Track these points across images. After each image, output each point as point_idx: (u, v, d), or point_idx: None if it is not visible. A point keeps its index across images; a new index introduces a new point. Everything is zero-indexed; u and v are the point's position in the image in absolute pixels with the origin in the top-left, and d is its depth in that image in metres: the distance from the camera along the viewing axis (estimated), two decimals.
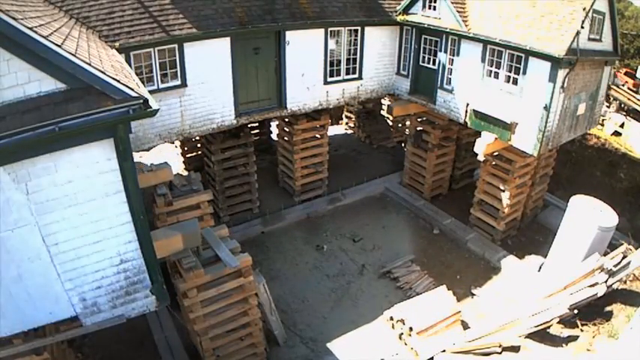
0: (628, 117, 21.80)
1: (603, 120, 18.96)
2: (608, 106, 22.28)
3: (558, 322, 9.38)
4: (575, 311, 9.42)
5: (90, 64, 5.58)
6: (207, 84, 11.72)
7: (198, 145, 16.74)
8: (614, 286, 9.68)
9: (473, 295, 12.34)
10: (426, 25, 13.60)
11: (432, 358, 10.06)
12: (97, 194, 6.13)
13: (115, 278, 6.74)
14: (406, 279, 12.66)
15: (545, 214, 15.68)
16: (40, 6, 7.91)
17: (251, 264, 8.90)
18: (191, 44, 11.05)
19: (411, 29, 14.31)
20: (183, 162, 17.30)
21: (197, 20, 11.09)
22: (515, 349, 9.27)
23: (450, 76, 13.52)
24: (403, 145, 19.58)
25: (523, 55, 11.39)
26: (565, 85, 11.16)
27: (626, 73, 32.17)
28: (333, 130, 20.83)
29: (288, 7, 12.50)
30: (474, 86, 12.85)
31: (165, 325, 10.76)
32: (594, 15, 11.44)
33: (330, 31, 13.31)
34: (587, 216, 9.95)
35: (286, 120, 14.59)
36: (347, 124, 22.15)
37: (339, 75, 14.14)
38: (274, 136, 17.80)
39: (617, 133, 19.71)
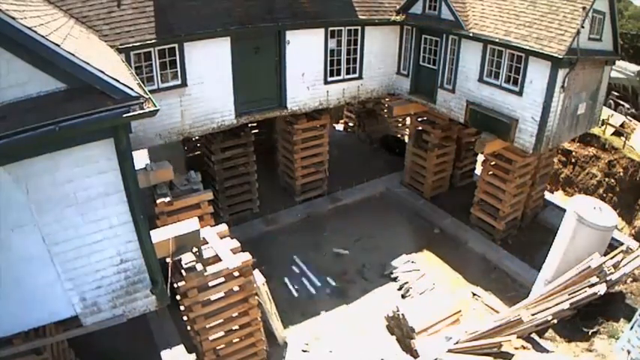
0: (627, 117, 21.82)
1: (604, 120, 18.93)
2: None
3: (558, 322, 9.37)
4: (575, 311, 9.41)
5: (90, 64, 5.57)
6: (208, 83, 11.71)
7: (198, 145, 16.74)
8: (614, 286, 9.67)
9: (473, 295, 12.34)
10: (426, 25, 13.60)
11: (432, 358, 10.05)
12: (97, 194, 6.13)
13: (115, 278, 6.74)
14: (406, 279, 12.66)
15: (545, 214, 15.67)
16: (39, 5, 7.90)
17: (251, 264, 8.89)
18: (191, 44, 11.04)
19: (411, 29, 14.30)
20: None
21: (197, 20, 11.08)
22: (515, 349, 9.26)
23: (450, 76, 13.52)
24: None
25: (523, 55, 11.39)
26: (565, 84, 11.15)
27: None
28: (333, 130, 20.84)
29: (289, 6, 12.48)
30: (474, 86, 12.85)
31: (166, 325, 10.76)
32: (594, 15, 11.44)
33: (331, 31, 13.29)
34: (586, 216, 9.94)
35: (286, 120, 14.59)
36: (347, 123, 22.15)
37: (340, 75, 14.13)
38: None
39: (617, 133, 19.68)
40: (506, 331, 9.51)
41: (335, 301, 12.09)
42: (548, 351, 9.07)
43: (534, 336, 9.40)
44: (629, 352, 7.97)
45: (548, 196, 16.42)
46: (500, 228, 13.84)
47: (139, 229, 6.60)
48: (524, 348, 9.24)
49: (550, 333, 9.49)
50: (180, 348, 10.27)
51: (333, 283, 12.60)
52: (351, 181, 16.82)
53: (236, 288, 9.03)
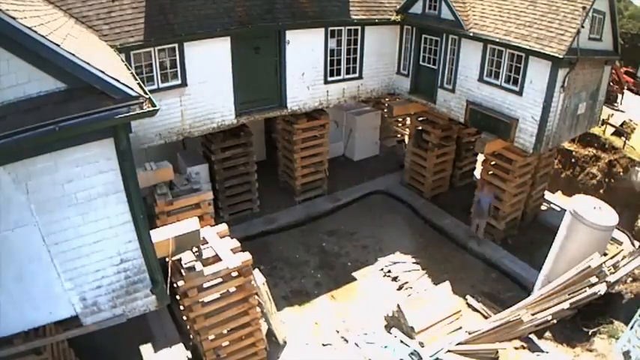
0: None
1: (604, 120, 18.93)
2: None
3: (558, 322, 9.38)
4: (576, 311, 9.42)
5: (90, 64, 5.57)
6: (208, 83, 11.71)
7: None
8: (614, 286, 9.67)
9: (473, 294, 12.33)
10: (426, 25, 13.60)
11: (432, 357, 10.05)
12: (97, 194, 6.11)
13: (115, 278, 6.73)
14: (406, 279, 12.66)
15: (545, 214, 15.68)
16: (39, 5, 7.90)
17: (251, 263, 8.89)
18: (191, 44, 11.04)
19: (411, 29, 14.30)
20: None
21: (197, 20, 11.08)
22: (514, 349, 9.27)
23: (450, 76, 13.51)
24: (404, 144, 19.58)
25: (523, 55, 11.39)
26: (565, 84, 11.16)
27: (626, 73, 32.20)
28: None
29: (289, 6, 12.48)
30: (474, 86, 12.85)
31: (166, 325, 10.76)
32: (594, 14, 11.44)
33: (331, 31, 13.29)
34: (586, 215, 9.94)
35: (286, 119, 14.59)
36: None
37: (340, 74, 14.13)
38: None
39: (617, 133, 19.68)
40: (506, 331, 9.53)
41: (335, 300, 12.09)
42: (547, 351, 9.08)
43: (533, 336, 9.41)
44: (629, 352, 7.98)
45: (548, 196, 16.41)
46: (500, 228, 13.84)
47: (139, 229, 6.58)
48: (523, 348, 9.26)
49: (550, 333, 9.49)
50: (149, 346, 10.23)
51: (334, 283, 12.59)
52: (351, 181, 16.82)
53: (235, 288, 9.03)
